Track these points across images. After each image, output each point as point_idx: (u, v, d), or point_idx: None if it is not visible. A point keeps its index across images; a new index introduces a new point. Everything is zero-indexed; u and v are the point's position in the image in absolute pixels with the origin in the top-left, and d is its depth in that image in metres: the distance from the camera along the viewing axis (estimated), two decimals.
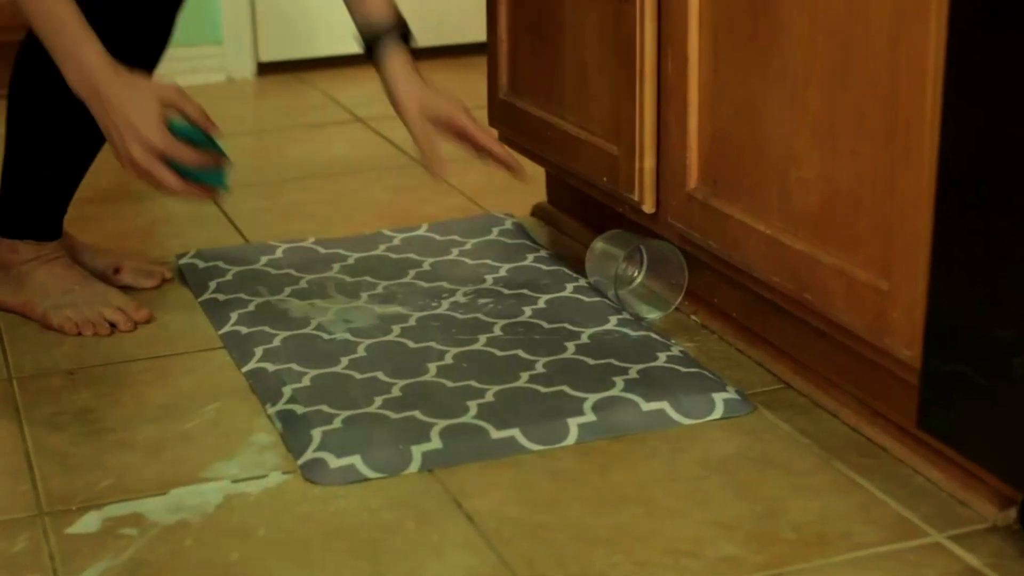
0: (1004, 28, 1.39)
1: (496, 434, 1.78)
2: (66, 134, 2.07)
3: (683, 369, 1.93)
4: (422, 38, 3.74)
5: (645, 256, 2.18)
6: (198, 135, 1.89)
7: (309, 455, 1.75)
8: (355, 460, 1.73)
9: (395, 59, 2.14)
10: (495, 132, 2.08)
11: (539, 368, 1.94)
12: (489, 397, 1.86)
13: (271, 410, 1.87)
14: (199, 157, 1.87)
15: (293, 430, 1.81)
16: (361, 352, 2.01)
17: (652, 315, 2.12)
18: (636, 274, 2.19)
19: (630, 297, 2.16)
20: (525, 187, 2.68)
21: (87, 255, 2.27)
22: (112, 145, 1.87)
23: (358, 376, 1.94)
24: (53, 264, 2.17)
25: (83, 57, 1.85)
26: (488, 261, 2.34)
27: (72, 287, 2.16)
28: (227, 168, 1.91)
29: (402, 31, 2.16)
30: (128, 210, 2.29)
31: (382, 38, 2.14)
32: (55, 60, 1.87)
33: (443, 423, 1.80)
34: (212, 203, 1.89)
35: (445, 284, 2.25)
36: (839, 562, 1.54)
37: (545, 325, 2.08)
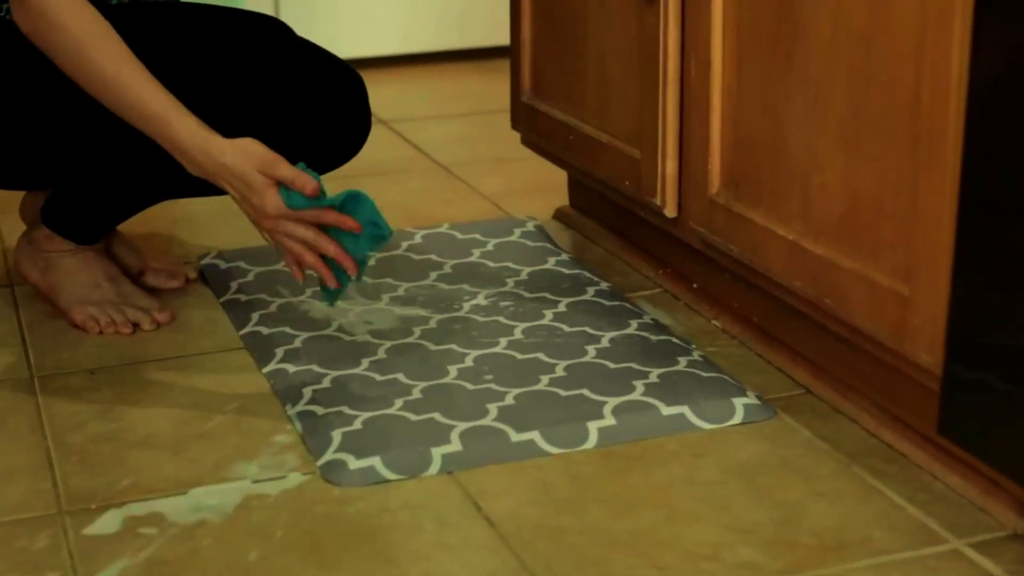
0: None
1: (516, 437, 1.78)
2: (133, 166, 2.07)
3: (703, 374, 1.93)
4: (445, 41, 3.78)
5: None
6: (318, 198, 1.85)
7: (329, 456, 1.75)
8: (375, 461, 1.73)
9: None
10: None
11: (559, 371, 1.94)
12: (509, 400, 1.86)
13: (291, 411, 1.87)
14: (337, 216, 1.83)
15: (313, 431, 1.81)
16: (382, 354, 2.01)
17: None
18: None
19: None
20: (548, 190, 2.69)
21: (122, 249, 2.27)
22: (245, 209, 1.87)
23: (379, 378, 1.94)
24: (86, 252, 2.17)
25: (186, 145, 1.85)
26: (509, 264, 2.34)
27: (100, 282, 2.16)
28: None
29: None
30: (150, 210, 2.29)
31: None
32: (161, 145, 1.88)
33: (463, 425, 1.80)
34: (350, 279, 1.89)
35: (466, 287, 2.25)
36: (858, 568, 1.53)
37: (566, 329, 2.08)
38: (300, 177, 1.83)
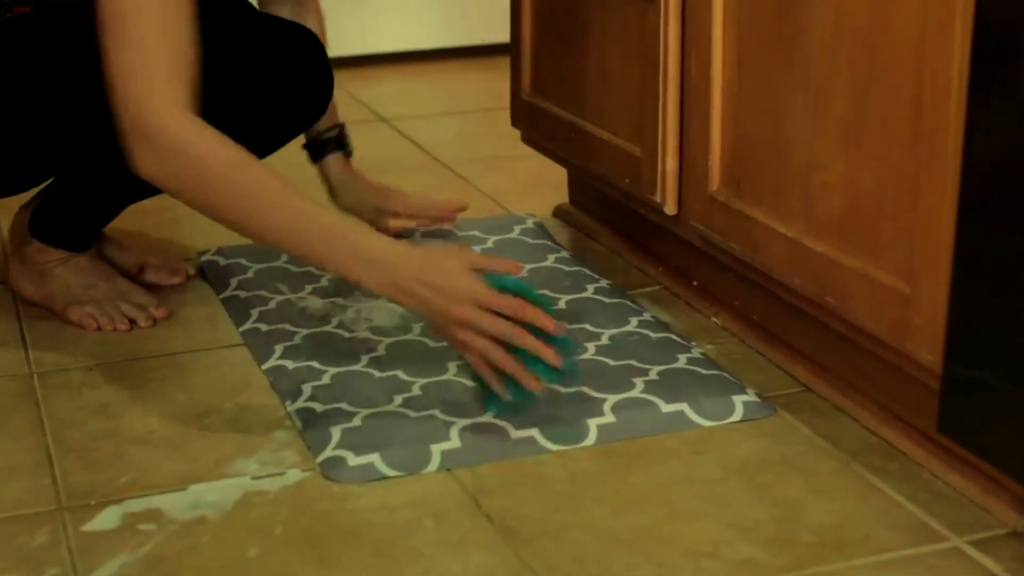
0: None
1: (516, 434, 1.78)
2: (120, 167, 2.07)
3: (703, 371, 1.93)
4: (445, 39, 3.78)
5: None
6: (522, 287, 1.74)
7: (328, 453, 1.75)
8: (374, 458, 1.73)
9: (336, 165, 2.35)
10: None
11: None
12: (509, 397, 1.86)
13: (290, 407, 1.87)
14: (536, 311, 1.71)
15: (312, 428, 1.81)
16: (381, 350, 2.01)
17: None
18: None
19: None
20: (548, 188, 2.69)
21: (113, 250, 2.27)
22: (436, 321, 1.74)
23: (378, 374, 1.94)
24: (78, 258, 2.17)
25: (370, 252, 1.72)
26: None
27: (95, 282, 2.16)
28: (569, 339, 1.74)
29: (342, 138, 2.35)
30: (150, 206, 2.29)
31: (328, 144, 2.34)
32: (331, 269, 1.76)
33: (463, 422, 1.80)
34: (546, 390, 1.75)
35: None
36: (858, 566, 1.53)
37: (566, 326, 2.08)
38: (496, 260, 1.75)
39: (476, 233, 2.45)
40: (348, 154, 2.36)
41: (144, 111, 1.73)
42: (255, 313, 2.15)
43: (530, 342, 1.69)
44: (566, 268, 2.31)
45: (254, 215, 1.75)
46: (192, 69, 1.77)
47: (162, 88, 1.74)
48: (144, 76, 1.74)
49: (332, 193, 2.37)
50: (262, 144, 2.18)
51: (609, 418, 1.82)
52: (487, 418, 1.81)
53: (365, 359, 1.98)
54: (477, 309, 1.70)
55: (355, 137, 2.26)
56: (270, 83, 2.09)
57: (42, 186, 2.20)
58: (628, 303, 2.17)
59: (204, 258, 2.38)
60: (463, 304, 1.70)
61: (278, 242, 1.78)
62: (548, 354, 1.70)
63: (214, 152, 1.74)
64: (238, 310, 2.17)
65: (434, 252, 1.77)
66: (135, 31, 1.75)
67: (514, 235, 2.45)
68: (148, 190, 2.20)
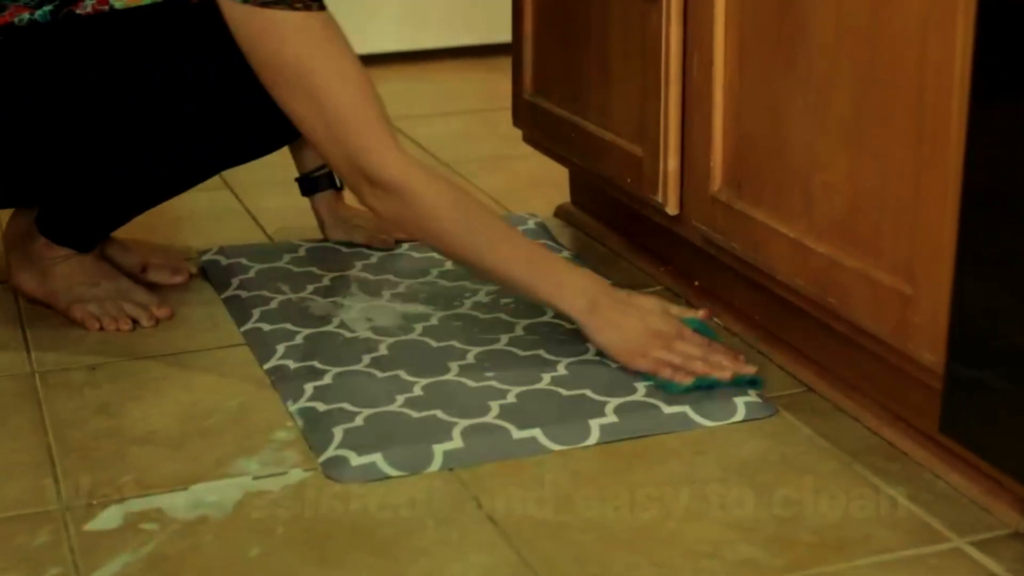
0: None
1: (518, 434, 1.78)
2: (135, 170, 2.07)
3: None
4: (447, 39, 3.78)
5: None
6: (705, 328, 1.97)
7: (330, 452, 1.75)
8: (376, 458, 1.73)
9: (326, 202, 2.45)
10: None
11: (561, 370, 1.94)
12: (511, 398, 1.86)
13: (292, 407, 1.87)
14: (730, 351, 1.93)
15: (314, 427, 1.81)
16: (383, 350, 2.01)
17: None
18: None
19: None
20: (549, 188, 2.69)
21: (116, 250, 2.27)
22: (627, 345, 1.92)
23: (380, 374, 1.94)
24: (82, 257, 2.18)
25: (574, 282, 1.93)
26: None
27: (98, 281, 2.17)
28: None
29: (333, 176, 2.42)
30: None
31: (319, 182, 2.42)
32: (534, 297, 1.94)
33: (465, 422, 1.80)
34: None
35: (467, 283, 2.24)
36: (859, 566, 1.53)
37: (567, 325, 2.08)
38: (686, 308, 2.00)
39: None
40: (339, 189, 2.44)
41: (364, 166, 1.86)
42: (256, 313, 2.15)
43: (723, 369, 1.88)
44: None
45: (480, 252, 1.92)
46: (378, 98, 1.88)
47: (372, 139, 1.86)
48: (352, 137, 1.86)
49: (322, 226, 2.45)
50: (274, 138, 2.18)
51: (611, 418, 1.81)
52: (489, 419, 1.81)
53: (367, 359, 1.98)
54: (678, 340, 1.90)
55: None
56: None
57: None
58: None
59: (205, 258, 2.38)
60: (665, 337, 1.90)
61: (495, 274, 1.94)
62: (744, 368, 1.90)
63: (439, 196, 1.89)
64: (240, 310, 2.18)
65: (633, 293, 1.98)
66: (325, 90, 1.85)
67: None
68: (158, 196, 2.20)
